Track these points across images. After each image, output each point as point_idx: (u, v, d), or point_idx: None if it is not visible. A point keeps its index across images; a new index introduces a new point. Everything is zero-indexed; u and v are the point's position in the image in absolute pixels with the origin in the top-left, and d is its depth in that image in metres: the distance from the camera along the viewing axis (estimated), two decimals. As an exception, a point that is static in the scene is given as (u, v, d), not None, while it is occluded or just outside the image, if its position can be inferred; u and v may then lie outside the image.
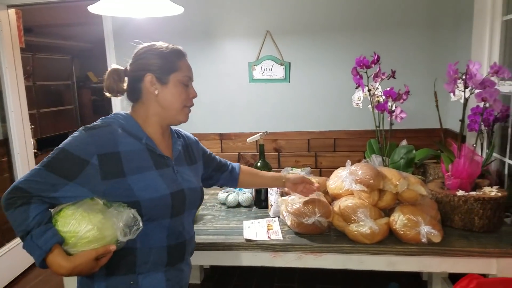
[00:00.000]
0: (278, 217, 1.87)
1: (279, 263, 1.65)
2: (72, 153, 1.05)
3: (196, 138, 1.47)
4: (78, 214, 1.02)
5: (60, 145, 1.08)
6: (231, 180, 1.61)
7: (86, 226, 1.01)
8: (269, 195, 1.96)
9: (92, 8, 1.77)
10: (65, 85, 6.18)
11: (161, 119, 1.22)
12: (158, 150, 1.19)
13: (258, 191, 2.07)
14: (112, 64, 1.27)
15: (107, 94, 1.25)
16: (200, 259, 1.72)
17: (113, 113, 1.22)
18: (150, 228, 1.13)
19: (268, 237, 1.67)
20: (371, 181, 1.55)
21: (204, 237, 1.71)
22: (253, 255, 1.66)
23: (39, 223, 1.01)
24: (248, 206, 2.07)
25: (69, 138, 1.10)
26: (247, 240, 1.65)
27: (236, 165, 1.64)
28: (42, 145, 5.01)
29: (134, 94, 1.22)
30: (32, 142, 3.35)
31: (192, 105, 1.26)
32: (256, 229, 1.74)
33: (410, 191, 1.56)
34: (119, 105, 2.90)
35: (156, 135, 1.22)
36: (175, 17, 2.01)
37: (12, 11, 3.00)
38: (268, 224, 1.80)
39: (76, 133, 1.10)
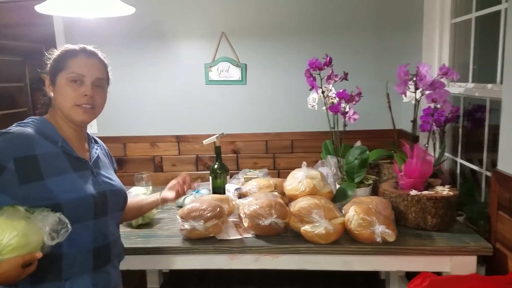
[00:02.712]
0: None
1: (236, 265, 1.63)
2: None
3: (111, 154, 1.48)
4: (1, 222, 0.99)
5: None
6: None
7: (10, 233, 0.98)
8: (226, 198, 1.92)
9: (40, 8, 1.69)
10: (17, 87, 5.90)
11: (66, 121, 1.21)
12: (75, 153, 1.18)
13: (215, 193, 2.02)
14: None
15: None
16: (156, 263, 1.69)
17: (28, 117, 1.19)
18: (74, 230, 1.09)
19: (240, 235, 1.67)
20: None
21: (160, 241, 1.67)
22: (210, 258, 1.62)
23: None
24: (205, 209, 2.02)
25: None
26: (220, 240, 1.63)
27: None
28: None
29: (48, 98, 1.24)
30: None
31: (87, 103, 1.20)
32: (227, 229, 1.72)
33: None
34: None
35: (72, 138, 1.21)
36: (128, 17, 1.94)
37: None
38: (235, 224, 1.78)
39: None
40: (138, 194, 1.95)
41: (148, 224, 1.85)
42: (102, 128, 2.75)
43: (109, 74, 1.35)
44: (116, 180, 1.33)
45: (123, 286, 2.68)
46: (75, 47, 1.24)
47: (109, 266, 1.25)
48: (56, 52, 1.23)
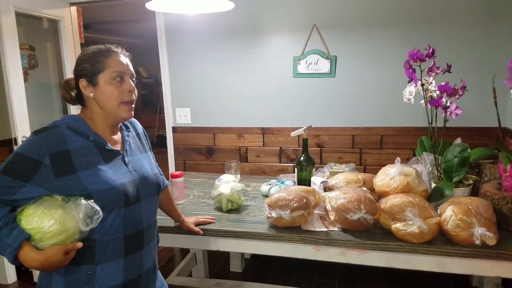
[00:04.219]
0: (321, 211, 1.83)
1: (321, 257, 1.64)
2: (25, 156, 1.11)
3: (145, 132, 1.50)
4: (40, 211, 1.08)
5: (15, 150, 1.15)
6: None
7: (48, 222, 1.07)
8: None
9: (149, 5, 1.84)
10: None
11: (105, 119, 1.26)
12: (107, 145, 1.24)
13: (300, 185, 2.04)
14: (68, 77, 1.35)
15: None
16: (242, 247, 1.76)
17: (64, 116, 1.28)
18: (106, 219, 1.17)
19: (326, 227, 1.68)
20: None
21: (248, 226, 1.74)
22: (296, 247, 1.66)
23: (6, 224, 1.08)
24: (291, 200, 2.05)
25: (22, 142, 1.18)
26: (306, 230, 1.66)
27: (165, 181, 1.64)
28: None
29: (80, 100, 1.30)
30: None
31: (131, 99, 1.26)
32: (312, 220, 1.74)
33: None
34: (170, 99, 2.97)
35: (105, 133, 1.27)
36: (222, 13, 2.02)
37: (73, 8, 3.17)
38: (321, 216, 1.79)
39: (28, 137, 1.16)
40: (228, 181, 2.04)
41: (236, 210, 1.93)
42: (195, 119, 2.92)
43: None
44: (147, 166, 1.36)
45: (209, 265, 2.84)
46: (109, 46, 1.29)
47: (142, 252, 1.29)
48: (87, 55, 1.26)
